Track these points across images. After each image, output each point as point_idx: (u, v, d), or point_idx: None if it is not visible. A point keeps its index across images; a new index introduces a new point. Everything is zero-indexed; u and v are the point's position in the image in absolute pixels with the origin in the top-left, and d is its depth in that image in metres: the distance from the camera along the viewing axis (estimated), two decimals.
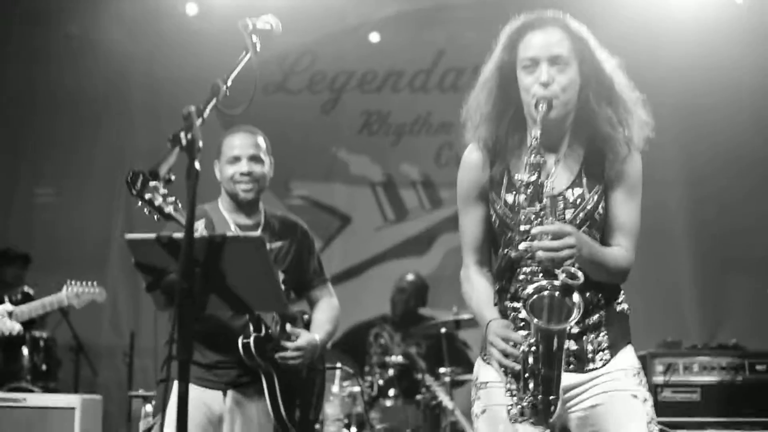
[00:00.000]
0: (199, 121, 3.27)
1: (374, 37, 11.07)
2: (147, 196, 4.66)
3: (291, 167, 10.11)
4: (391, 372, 8.29)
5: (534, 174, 3.51)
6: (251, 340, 4.99)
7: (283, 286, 4.74)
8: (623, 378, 3.68)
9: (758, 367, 7.18)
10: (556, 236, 3.41)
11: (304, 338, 5.16)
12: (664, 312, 9.77)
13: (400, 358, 8.42)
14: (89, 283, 6.91)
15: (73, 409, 6.87)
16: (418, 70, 11.00)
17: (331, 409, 7.93)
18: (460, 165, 3.89)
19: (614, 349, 3.70)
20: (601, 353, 3.68)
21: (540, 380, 3.45)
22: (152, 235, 3.63)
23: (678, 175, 10.40)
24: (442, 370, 8.32)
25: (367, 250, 10.94)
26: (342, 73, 11.10)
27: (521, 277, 3.52)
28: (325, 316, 5.47)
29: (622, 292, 3.78)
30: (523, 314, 3.45)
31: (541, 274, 3.46)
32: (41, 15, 10.74)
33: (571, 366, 3.62)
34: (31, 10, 10.73)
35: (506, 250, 3.67)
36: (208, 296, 3.57)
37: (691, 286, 10.35)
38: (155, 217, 4.73)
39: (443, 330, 8.49)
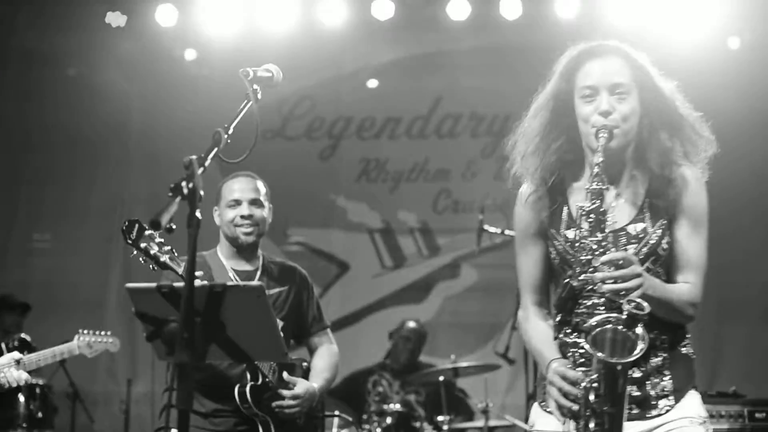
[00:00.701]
0: (200, 171, 3.27)
1: (372, 83, 11.11)
2: (142, 245, 4.68)
3: (289, 214, 10.11)
4: (389, 420, 8.24)
5: (596, 201, 3.41)
6: (248, 389, 4.98)
7: (282, 334, 4.73)
8: (689, 427, 3.49)
9: (758, 415, 7.15)
10: (622, 266, 3.28)
11: (301, 387, 5.14)
12: None
13: (398, 406, 8.37)
14: (102, 332, 6.80)
15: None
16: (415, 116, 11.03)
17: None
18: (517, 202, 3.76)
19: (679, 394, 3.52)
20: (665, 399, 3.50)
21: (602, 419, 3.30)
22: (153, 285, 3.62)
23: None
24: (440, 418, 8.28)
25: (365, 297, 10.90)
26: (340, 119, 11.12)
27: (582, 309, 3.43)
28: (324, 364, 5.45)
29: (688, 334, 3.67)
30: (584, 348, 3.33)
31: (603, 307, 3.33)
32: (39, 55, 10.77)
33: (633, 412, 3.45)
34: (29, 49, 10.75)
35: (567, 279, 3.51)
36: (209, 345, 3.56)
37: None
38: (150, 266, 4.73)
39: (441, 378, 8.45)
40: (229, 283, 4.14)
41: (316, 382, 5.28)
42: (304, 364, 5.41)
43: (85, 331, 6.71)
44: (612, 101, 3.50)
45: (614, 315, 3.29)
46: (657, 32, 9.93)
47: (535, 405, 3.72)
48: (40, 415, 8.57)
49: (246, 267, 5.29)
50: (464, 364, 8.51)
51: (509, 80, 10.41)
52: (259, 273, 5.28)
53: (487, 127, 10.88)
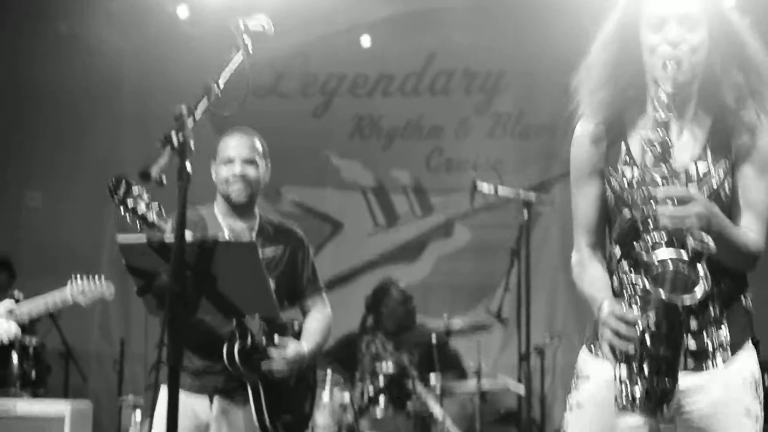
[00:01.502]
0: (190, 122, 3.23)
1: (365, 41, 11.03)
2: (130, 203, 4.60)
3: (282, 172, 10.04)
4: (381, 380, 8.22)
5: (662, 131, 3.26)
6: (236, 348, 4.94)
7: (273, 290, 4.69)
8: (740, 387, 3.38)
9: None
10: (682, 201, 3.15)
11: (291, 348, 5.11)
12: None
13: (390, 367, 8.35)
14: (95, 277, 6.65)
15: (63, 418, 6.79)
16: (409, 73, 10.97)
17: (322, 418, 7.88)
18: (573, 139, 3.64)
19: (736, 347, 3.40)
20: (721, 351, 3.38)
21: (658, 363, 3.16)
22: (144, 238, 3.59)
23: None
24: (432, 378, 8.27)
25: (359, 257, 10.88)
26: (333, 76, 11.07)
27: (642, 245, 3.22)
28: (316, 326, 5.42)
29: (747, 285, 3.48)
30: (642, 286, 3.17)
31: (665, 243, 3.17)
32: (30, 10, 10.68)
33: (689, 365, 3.34)
34: (19, 5, 10.66)
35: (630, 213, 3.36)
36: (199, 300, 3.53)
37: None
38: (137, 223, 4.67)
39: (434, 338, 8.44)
40: (220, 239, 4.12)
41: (306, 343, 5.25)
42: (296, 323, 5.39)
43: (78, 277, 6.55)
44: (681, 31, 3.35)
45: (676, 251, 3.15)
46: None
47: (584, 349, 3.61)
48: (33, 373, 8.58)
49: (242, 225, 5.24)
50: (457, 321, 8.50)
51: (502, 37, 10.37)
52: (255, 232, 5.24)
53: (480, 83, 10.83)
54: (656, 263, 3.16)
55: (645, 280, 3.16)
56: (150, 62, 10.83)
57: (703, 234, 3.14)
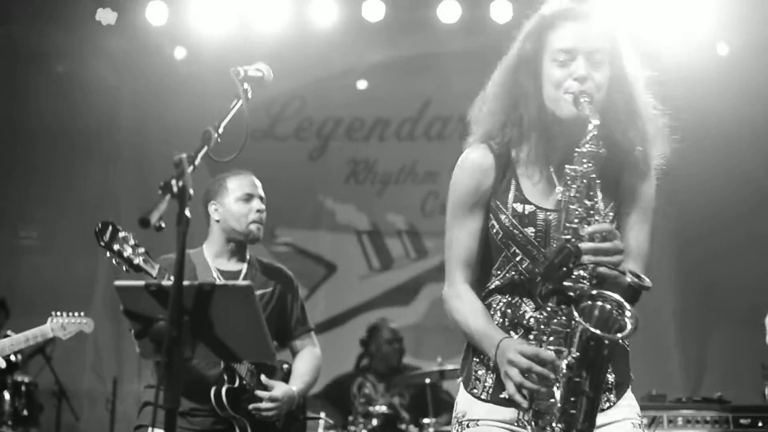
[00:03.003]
0: (190, 169, 3.27)
1: (361, 84, 11.12)
2: (116, 247, 4.68)
3: (277, 214, 10.06)
4: (374, 422, 8.23)
5: (589, 165, 3.16)
6: (223, 391, 4.97)
7: (269, 335, 4.72)
8: (630, 430, 3.31)
9: (742, 421, 7.16)
10: (606, 238, 3.08)
11: (279, 390, 5.14)
12: (649, 365, 9.74)
13: (383, 408, 8.36)
14: (75, 313, 6.73)
15: None
16: (404, 118, 11.03)
17: None
18: (459, 166, 3.48)
19: (620, 390, 3.36)
20: (607, 394, 3.30)
21: (577, 404, 3.04)
22: (141, 283, 3.62)
23: (663, 224, 10.41)
24: (426, 420, 8.27)
25: (352, 299, 10.91)
26: (329, 120, 11.12)
27: (569, 280, 3.08)
28: (305, 367, 5.43)
29: None
30: (562, 321, 3.08)
31: (592, 278, 3.09)
32: (28, 51, 10.73)
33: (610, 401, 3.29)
34: (18, 46, 10.71)
35: (563, 248, 3.09)
36: (197, 344, 3.55)
37: (676, 339, 10.34)
38: (124, 268, 4.72)
39: (428, 380, 8.45)
40: (218, 282, 4.14)
41: (295, 385, 5.27)
42: (285, 366, 5.40)
43: (58, 313, 6.65)
44: (588, 67, 3.27)
45: (604, 287, 3.08)
46: (645, 39, 9.93)
47: (462, 391, 3.43)
48: (25, 412, 8.57)
49: (231, 267, 5.28)
50: (450, 366, 8.51)
51: None
52: (243, 273, 5.27)
53: None
54: (585, 300, 3.07)
55: (575, 313, 3.04)
56: (146, 102, 10.88)
57: (640, 274, 3.10)
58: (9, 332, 8.25)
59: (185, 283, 3.24)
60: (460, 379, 3.49)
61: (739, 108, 9.88)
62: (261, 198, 5.30)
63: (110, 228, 4.68)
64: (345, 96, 11.03)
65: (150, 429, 4.91)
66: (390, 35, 10.63)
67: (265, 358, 4.48)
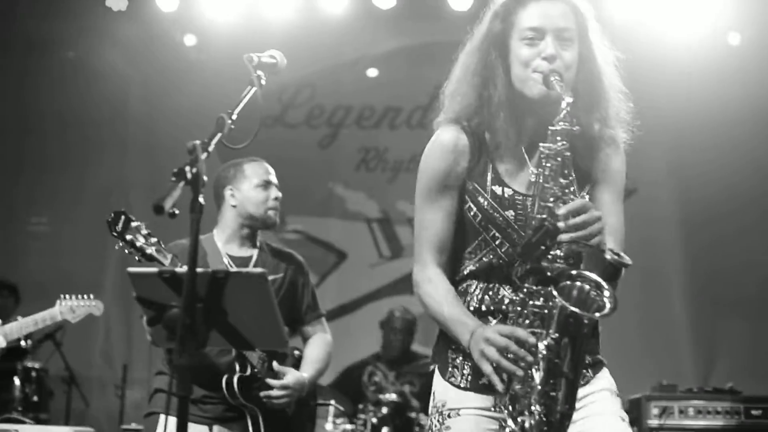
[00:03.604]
0: (203, 156, 3.26)
1: (372, 72, 11.10)
2: (128, 237, 4.67)
3: (287, 201, 10.07)
4: (384, 410, 8.24)
5: (563, 143, 3.11)
6: (235, 379, 4.97)
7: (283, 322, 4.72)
8: (609, 398, 3.28)
9: (754, 412, 7.16)
10: (579, 212, 3.01)
11: (291, 377, 5.12)
12: (659, 354, 9.74)
13: (393, 397, 8.37)
14: (84, 296, 6.70)
15: None
16: (415, 106, 11.00)
17: None
18: (431, 147, 3.41)
19: (596, 368, 3.31)
20: (584, 371, 3.24)
21: (555, 385, 2.98)
22: (154, 270, 3.60)
23: (672, 213, 10.41)
24: None
25: (362, 287, 10.91)
26: (340, 108, 11.12)
27: (546, 260, 3.04)
28: (316, 353, 5.42)
29: None
30: (542, 302, 3.02)
31: (569, 258, 3.03)
32: (39, 39, 10.74)
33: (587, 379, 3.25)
34: (29, 33, 10.72)
35: (540, 227, 3.06)
36: (210, 332, 3.54)
37: (686, 328, 10.31)
38: (136, 257, 4.71)
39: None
40: (232, 270, 4.13)
41: (306, 371, 5.26)
42: (296, 352, 5.40)
43: (67, 296, 6.62)
44: (557, 46, 3.23)
45: (584, 270, 3.01)
46: (657, 28, 9.92)
47: (439, 380, 3.39)
48: (35, 398, 8.59)
49: (242, 253, 5.27)
50: None
51: None
52: (254, 259, 5.27)
53: None
54: (564, 277, 3.02)
55: (554, 293, 2.98)
56: (156, 89, 10.89)
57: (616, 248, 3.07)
58: (19, 317, 8.29)
59: (198, 270, 3.22)
60: (434, 366, 3.45)
61: (750, 97, 9.86)
62: (276, 186, 5.32)
63: (123, 218, 4.68)
64: (356, 83, 11.04)
65: (163, 416, 4.93)
66: (401, 23, 10.63)
67: (278, 346, 4.46)
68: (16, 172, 10.96)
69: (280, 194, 5.34)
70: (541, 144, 3.18)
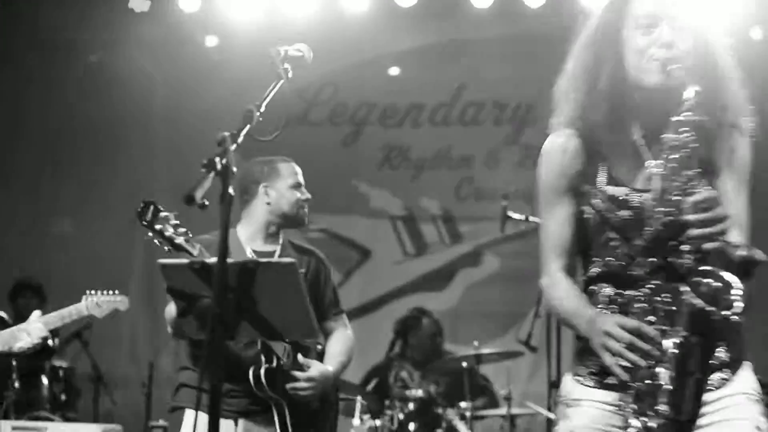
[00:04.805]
0: (233, 147, 3.27)
1: (394, 70, 11.11)
2: (157, 227, 4.70)
3: (312, 200, 10.09)
4: (411, 406, 8.23)
5: (690, 134, 3.02)
6: (262, 371, 4.98)
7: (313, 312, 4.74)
8: (745, 404, 3.11)
9: None
10: (708, 207, 2.91)
11: (316, 369, 5.14)
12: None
13: (420, 393, 8.36)
14: (110, 291, 6.73)
15: None
16: (438, 103, 11.00)
17: None
18: (544, 152, 3.36)
19: (735, 365, 3.13)
20: (719, 372, 3.10)
21: (689, 388, 2.91)
22: (185, 261, 3.63)
23: None
24: (462, 404, 8.26)
25: (387, 284, 10.90)
26: (363, 106, 11.12)
27: (676, 256, 2.96)
28: (339, 348, 5.44)
29: None
30: (671, 298, 2.93)
31: (701, 254, 2.91)
32: (62, 42, 10.77)
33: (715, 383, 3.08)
34: (52, 36, 10.75)
35: (661, 225, 3.00)
36: (240, 323, 3.56)
37: None
38: (165, 248, 4.74)
39: (465, 364, 8.44)
40: (262, 260, 4.15)
41: (331, 365, 5.29)
42: (319, 346, 5.42)
43: (93, 292, 6.64)
44: (673, 33, 3.16)
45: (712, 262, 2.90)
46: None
47: (568, 377, 3.31)
48: (63, 397, 8.63)
49: (265, 248, 5.31)
50: (487, 350, 8.50)
51: (532, 68, 10.34)
52: (278, 254, 5.30)
53: (510, 115, 10.87)
54: (693, 274, 2.93)
55: (682, 290, 2.91)
56: (180, 89, 10.91)
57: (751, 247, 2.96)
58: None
59: (229, 260, 3.24)
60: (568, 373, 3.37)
61: None
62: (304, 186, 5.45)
63: (152, 207, 4.72)
64: (378, 81, 11.03)
65: (189, 411, 4.95)
66: (422, 21, 10.62)
67: (308, 335, 4.49)
68: (43, 174, 11.02)
69: (309, 196, 5.41)
70: (664, 135, 3.10)
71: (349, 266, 10.75)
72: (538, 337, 8.56)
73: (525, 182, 10.59)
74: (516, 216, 8.17)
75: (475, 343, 8.53)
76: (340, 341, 5.48)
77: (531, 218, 8.09)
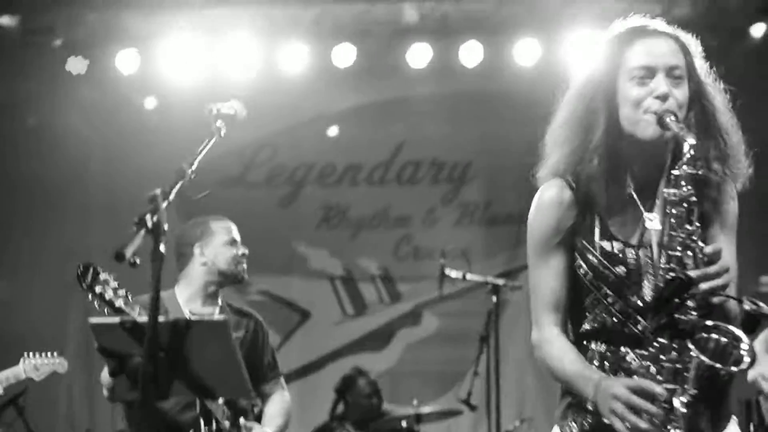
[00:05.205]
0: (164, 204, 3.26)
1: (332, 131, 11.13)
2: (97, 289, 4.68)
3: (250, 261, 10.05)
4: None
5: (688, 189, 3.00)
6: None
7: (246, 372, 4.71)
8: None
9: None
10: (712, 261, 2.91)
11: (256, 431, 5.14)
12: None
13: None
14: (49, 353, 6.65)
15: None
16: (376, 163, 11.03)
17: None
18: (536, 205, 3.33)
19: (727, 421, 3.17)
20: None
21: None
22: (116, 320, 3.60)
23: None
24: None
25: (327, 345, 10.82)
26: (302, 166, 11.10)
27: (681, 312, 2.93)
28: (277, 410, 5.47)
29: None
30: (676, 356, 2.91)
31: (704, 308, 2.91)
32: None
33: None
34: None
35: (670, 279, 2.94)
36: (173, 381, 3.53)
37: None
38: (105, 310, 4.71)
39: (404, 424, 8.41)
40: (193, 318, 4.13)
41: (269, 427, 5.30)
42: (256, 409, 5.40)
43: (31, 354, 6.56)
44: (669, 85, 3.12)
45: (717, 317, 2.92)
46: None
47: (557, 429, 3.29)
48: None
49: (203, 309, 5.30)
50: (427, 409, 8.48)
51: (470, 127, 10.48)
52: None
53: (448, 173, 10.92)
54: (700, 329, 2.92)
55: (690, 347, 2.89)
56: (117, 152, 10.84)
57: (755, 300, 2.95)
58: None
59: (160, 319, 3.21)
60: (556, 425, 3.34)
61: None
62: (240, 243, 5.43)
63: (91, 270, 4.68)
64: (316, 142, 11.04)
65: None
66: (360, 81, 10.67)
67: (242, 394, 4.47)
68: None
69: (246, 251, 5.41)
70: (665, 189, 3.09)
71: (289, 327, 10.69)
72: (478, 395, 8.58)
73: (463, 240, 10.73)
74: (454, 274, 8.22)
75: (414, 402, 8.51)
76: (278, 404, 5.49)
77: (468, 276, 8.14)
